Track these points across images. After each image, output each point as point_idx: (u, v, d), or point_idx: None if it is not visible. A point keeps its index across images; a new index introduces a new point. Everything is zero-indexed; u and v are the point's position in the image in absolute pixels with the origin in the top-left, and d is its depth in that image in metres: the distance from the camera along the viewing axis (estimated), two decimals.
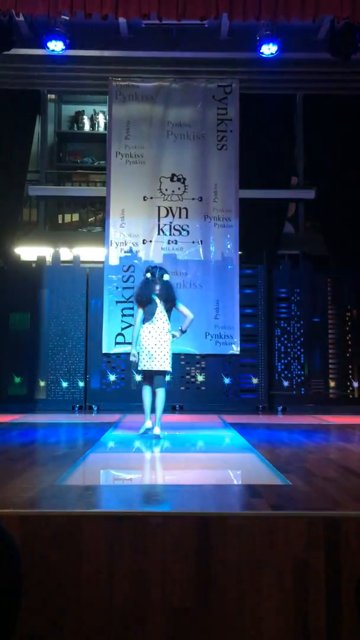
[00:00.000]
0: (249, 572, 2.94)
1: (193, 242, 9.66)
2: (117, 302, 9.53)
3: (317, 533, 2.98)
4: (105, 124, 10.95)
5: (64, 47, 8.83)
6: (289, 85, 10.48)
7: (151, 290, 6.32)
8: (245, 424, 7.53)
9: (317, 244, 10.46)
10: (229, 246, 9.68)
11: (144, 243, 9.65)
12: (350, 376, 9.63)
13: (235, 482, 4.38)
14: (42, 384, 9.46)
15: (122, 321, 9.47)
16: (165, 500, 3.65)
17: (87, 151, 11.63)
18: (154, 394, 6.30)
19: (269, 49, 8.79)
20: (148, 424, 6.30)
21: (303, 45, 9.32)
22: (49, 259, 9.86)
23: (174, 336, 6.35)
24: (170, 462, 5.22)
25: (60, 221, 11.45)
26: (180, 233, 9.67)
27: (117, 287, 9.56)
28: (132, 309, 8.79)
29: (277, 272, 9.85)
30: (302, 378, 9.61)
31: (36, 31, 9.06)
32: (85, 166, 11.49)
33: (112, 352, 9.47)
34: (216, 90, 9.83)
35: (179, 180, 9.73)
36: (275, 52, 8.80)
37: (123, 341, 9.39)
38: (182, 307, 6.46)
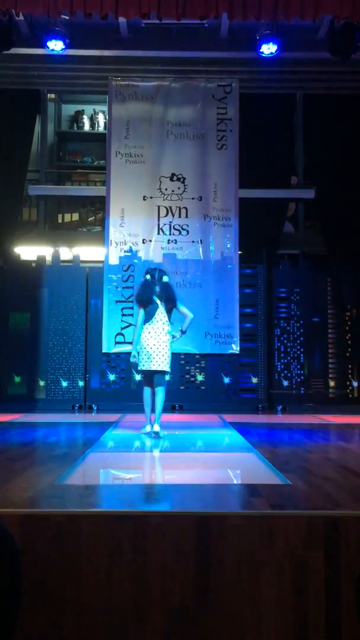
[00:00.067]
0: (248, 572, 2.94)
1: (193, 242, 9.67)
2: (116, 301, 9.53)
3: (317, 532, 2.98)
4: (105, 123, 10.95)
5: (63, 47, 8.84)
6: (289, 85, 10.48)
7: (151, 291, 6.37)
8: (245, 423, 7.54)
9: (316, 243, 10.46)
10: (228, 246, 9.68)
11: (143, 242, 9.65)
12: (350, 375, 9.64)
13: (235, 482, 4.38)
14: (41, 383, 9.46)
15: (121, 321, 9.47)
16: (165, 499, 3.66)
17: (86, 151, 11.63)
18: (154, 396, 6.33)
19: (268, 49, 8.80)
20: (148, 428, 6.32)
21: (303, 44, 9.34)
22: (48, 258, 9.86)
23: (174, 337, 6.39)
24: (170, 461, 5.22)
25: (60, 221, 11.45)
26: (180, 232, 9.67)
27: (116, 287, 9.56)
28: (132, 308, 8.81)
29: (276, 271, 9.86)
30: (302, 377, 9.61)
31: (36, 31, 9.07)
32: (85, 166, 11.50)
33: (112, 351, 9.47)
34: (216, 89, 9.83)
35: (178, 179, 9.73)
36: (275, 51, 8.82)
37: (123, 341, 9.40)
38: (182, 308, 6.51)
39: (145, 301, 6.36)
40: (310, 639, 2.90)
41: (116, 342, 9.46)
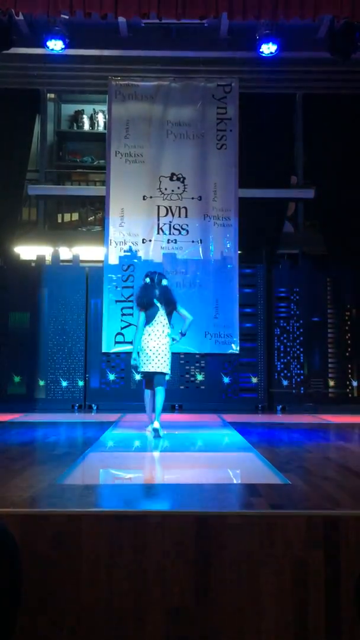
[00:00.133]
0: (248, 572, 2.94)
1: (192, 242, 9.66)
2: (116, 301, 9.53)
3: (317, 532, 2.98)
4: (104, 123, 10.95)
5: (63, 47, 8.84)
6: (289, 85, 10.48)
7: (151, 294, 6.44)
8: (244, 423, 7.54)
9: (316, 243, 10.46)
10: (228, 245, 9.68)
11: (143, 242, 9.65)
12: (350, 375, 9.64)
13: (235, 481, 4.38)
14: (41, 383, 9.46)
15: (121, 320, 9.47)
16: (164, 499, 3.66)
17: (86, 150, 11.63)
18: (154, 397, 6.39)
19: (268, 48, 8.80)
20: (150, 429, 6.35)
21: (303, 44, 9.34)
22: (48, 258, 9.86)
23: (174, 340, 6.48)
24: (169, 461, 5.22)
25: (59, 220, 11.45)
26: (180, 232, 9.67)
27: (116, 287, 9.56)
28: (132, 308, 8.81)
29: (276, 271, 9.86)
30: (302, 377, 9.61)
31: (36, 30, 9.07)
32: (85, 165, 11.50)
33: (111, 351, 9.47)
34: (216, 89, 9.83)
35: (178, 179, 9.73)
36: (275, 51, 8.82)
37: (122, 340, 9.40)
38: (182, 310, 6.58)
39: (145, 304, 6.43)
40: (310, 639, 2.90)
41: (116, 342, 9.46)
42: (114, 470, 4.82)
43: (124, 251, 9.63)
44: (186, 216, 9.69)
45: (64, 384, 9.47)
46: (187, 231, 9.67)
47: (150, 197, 9.70)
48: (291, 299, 9.72)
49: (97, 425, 7.37)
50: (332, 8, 7.20)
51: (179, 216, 9.69)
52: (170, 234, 9.66)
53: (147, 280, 6.58)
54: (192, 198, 9.71)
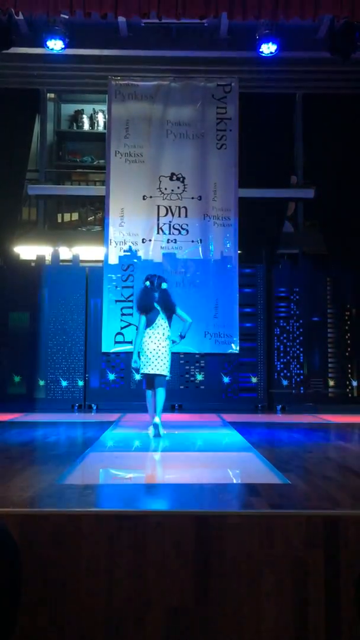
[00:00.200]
0: (248, 571, 2.94)
1: (192, 241, 9.67)
2: (116, 301, 9.53)
3: (316, 532, 2.98)
4: (104, 123, 10.94)
5: (63, 46, 8.84)
6: (289, 85, 10.47)
7: (151, 298, 6.47)
8: (244, 423, 7.54)
9: (316, 243, 10.46)
10: (228, 245, 9.68)
11: (143, 242, 9.65)
12: (350, 375, 9.64)
13: (235, 481, 4.38)
14: (41, 383, 9.46)
15: (121, 320, 9.47)
16: (164, 499, 3.66)
17: (86, 150, 11.63)
18: (155, 397, 6.43)
19: (268, 48, 8.80)
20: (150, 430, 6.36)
21: (303, 44, 9.33)
22: (48, 258, 9.86)
23: (173, 342, 6.53)
24: (169, 461, 5.22)
25: (59, 220, 11.45)
26: (180, 232, 9.67)
27: (116, 286, 9.56)
28: (132, 308, 8.83)
29: (276, 271, 9.86)
30: (302, 377, 9.61)
31: (36, 30, 9.06)
32: (85, 165, 11.50)
33: (111, 351, 9.47)
34: (215, 89, 9.83)
35: (178, 179, 9.73)
36: (275, 51, 8.82)
37: (122, 340, 9.40)
38: (181, 313, 6.60)
39: (145, 308, 6.47)
40: (309, 639, 2.90)
41: (116, 342, 9.46)
42: (114, 470, 4.82)
43: (124, 251, 9.63)
44: (186, 216, 9.69)
45: (64, 383, 9.47)
46: (187, 231, 9.67)
47: (150, 197, 9.70)
48: (291, 298, 9.72)
49: (97, 425, 7.37)
50: (332, 8, 7.21)
51: (179, 216, 9.69)
52: (170, 233, 9.66)
53: (147, 283, 6.60)
54: (192, 198, 9.71)
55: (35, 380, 9.47)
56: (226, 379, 9.54)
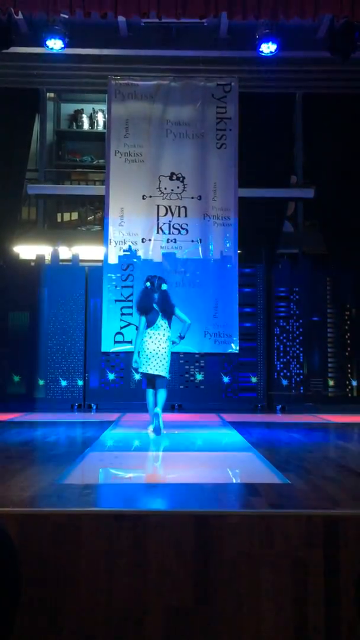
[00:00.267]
0: (247, 571, 2.94)
1: (192, 241, 9.66)
2: (116, 300, 9.52)
3: (316, 532, 2.98)
4: (104, 122, 10.94)
5: (63, 46, 8.84)
6: (289, 84, 10.47)
7: (152, 299, 6.50)
8: (244, 422, 7.54)
9: (316, 242, 10.46)
10: (228, 245, 9.68)
11: (143, 242, 9.65)
12: (349, 375, 9.64)
13: (234, 481, 4.38)
14: (41, 382, 9.46)
15: (121, 320, 9.47)
16: (164, 498, 3.66)
17: (86, 150, 11.63)
18: (156, 396, 6.47)
19: (268, 48, 8.80)
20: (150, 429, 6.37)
21: (302, 44, 9.34)
22: (48, 257, 9.86)
23: (173, 343, 6.55)
24: (169, 460, 5.22)
25: (59, 220, 11.45)
26: (180, 232, 9.67)
27: (116, 286, 9.55)
28: (132, 307, 8.83)
29: (276, 271, 9.86)
30: (301, 377, 9.61)
31: (35, 29, 9.06)
32: (84, 165, 11.50)
33: (111, 350, 9.46)
34: (215, 89, 9.83)
35: (178, 179, 9.73)
36: (275, 50, 8.82)
37: (122, 340, 9.40)
38: (180, 314, 6.61)
39: (145, 309, 6.49)
40: (309, 639, 2.90)
41: (115, 342, 9.46)
42: (114, 469, 4.81)
43: (124, 251, 9.62)
44: (186, 216, 9.69)
45: (64, 383, 9.47)
46: (187, 231, 9.67)
47: (150, 196, 9.70)
48: (291, 298, 9.72)
49: (96, 425, 7.37)
50: (332, 8, 7.21)
51: (179, 216, 9.69)
52: (169, 233, 9.66)
53: (148, 284, 6.62)
54: (192, 197, 9.70)
55: (35, 380, 9.46)
56: (226, 379, 9.54)
